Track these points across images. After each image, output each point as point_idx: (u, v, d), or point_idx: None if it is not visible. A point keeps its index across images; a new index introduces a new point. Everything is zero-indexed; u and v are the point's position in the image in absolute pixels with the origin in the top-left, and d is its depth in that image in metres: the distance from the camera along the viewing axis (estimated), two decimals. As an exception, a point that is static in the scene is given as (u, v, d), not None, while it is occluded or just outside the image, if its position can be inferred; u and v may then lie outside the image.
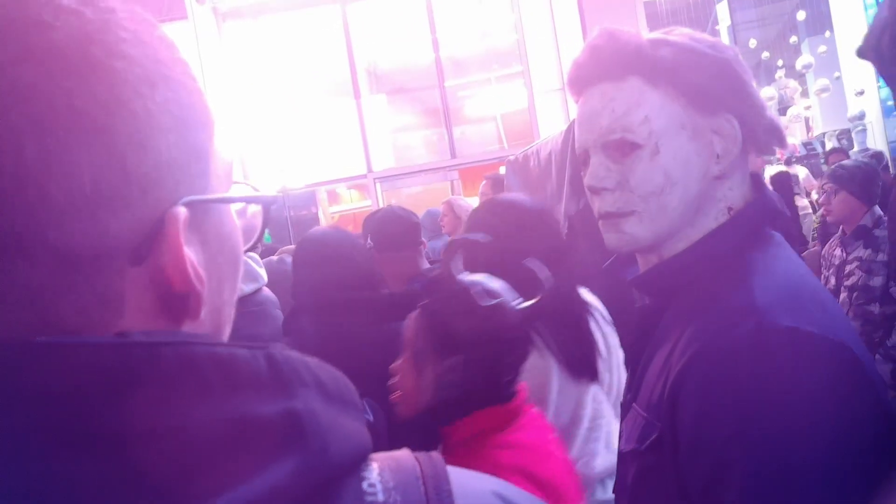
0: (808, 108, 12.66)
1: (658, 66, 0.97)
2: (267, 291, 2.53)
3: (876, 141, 10.35)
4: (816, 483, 0.78)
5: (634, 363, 1.07)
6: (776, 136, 1.01)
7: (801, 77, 13.44)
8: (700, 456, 0.85)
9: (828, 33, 12.28)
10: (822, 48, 11.85)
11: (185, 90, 0.46)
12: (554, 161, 2.38)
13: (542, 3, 8.82)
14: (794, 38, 13.34)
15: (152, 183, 0.42)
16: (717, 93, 0.97)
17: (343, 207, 11.15)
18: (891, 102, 10.00)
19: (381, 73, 10.50)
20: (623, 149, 0.99)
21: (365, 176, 9.42)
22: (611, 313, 2.16)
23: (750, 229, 0.98)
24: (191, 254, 0.44)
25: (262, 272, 2.49)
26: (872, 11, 9.56)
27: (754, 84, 1.00)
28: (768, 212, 1.00)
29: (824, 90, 11.07)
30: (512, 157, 2.74)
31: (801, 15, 12.25)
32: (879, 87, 10.06)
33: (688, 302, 0.97)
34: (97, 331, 0.41)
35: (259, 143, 9.44)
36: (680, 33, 1.00)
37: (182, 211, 0.43)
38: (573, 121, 2.28)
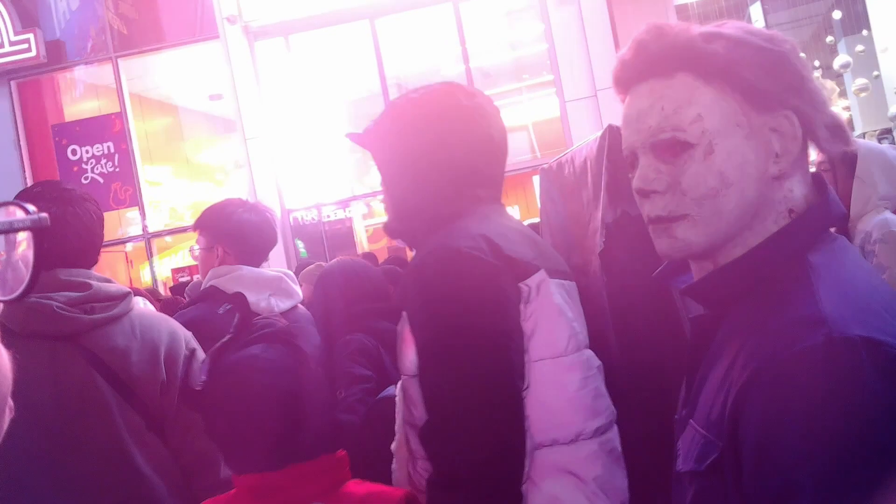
0: (846, 108, 12.42)
1: (711, 62, 0.91)
2: (302, 308, 2.51)
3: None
4: None
5: (690, 377, 1.00)
6: (839, 134, 0.95)
7: (838, 77, 13.17)
8: (765, 479, 0.78)
9: (865, 32, 12.04)
10: (860, 47, 11.62)
11: None
12: (589, 168, 2.31)
13: (572, 12, 8.76)
14: (830, 38, 13.10)
15: None
16: (775, 88, 0.91)
17: (377, 221, 11.15)
18: (932, 101, 9.74)
19: (411, 87, 10.51)
20: (674, 149, 0.92)
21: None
22: (655, 324, 2.08)
23: (813, 233, 0.92)
24: None
25: (298, 289, 2.47)
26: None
27: (814, 78, 0.94)
28: (833, 214, 0.93)
29: (863, 89, 10.84)
30: (546, 166, 2.68)
31: (836, 14, 12.03)
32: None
33: (747, 312, 0.90)
34: None
35: (292, 161, 9.49)
36: (733, 26, 0.93)
37: None
38: (608, 126, 2.22)
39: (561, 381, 1.38)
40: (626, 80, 0.99)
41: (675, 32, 0.94)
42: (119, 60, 9.74)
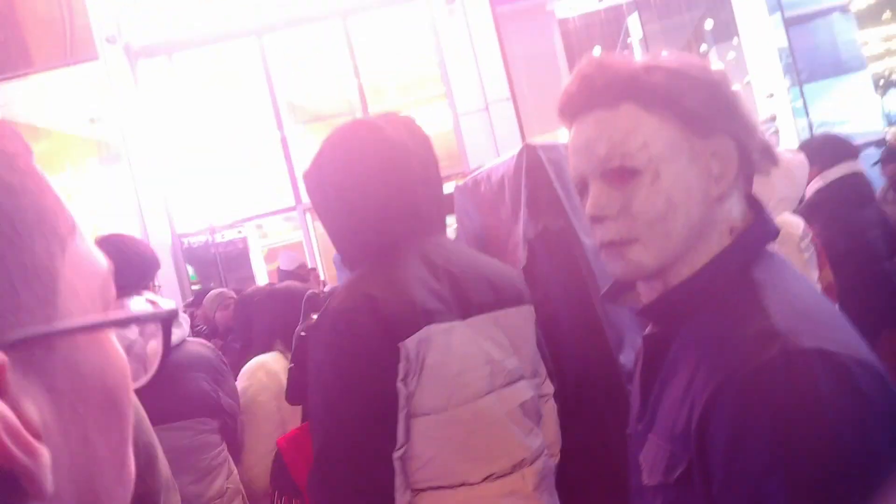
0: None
1: (653, 92, 0.96)
2: (189, 344, 2.43)
3: (788, 142, 10.74)
4: None
5: (645, 392, 1.04)
6: (769, 155, 1.01)
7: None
8: (735, 489, 0.82)
9: (735, 39, 12.72)
10: (731, 54, 12.27)
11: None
12: (507, 185, 2.36)
13: (460, 25, 8.89)
14: (703, 47, 13.79)
15: None
16: (712, 115, 0.96)
17: (273, 241, 10.96)
18: (799, 104, 10.39)
19: (301, 104, 10.39)
20: (623, 176, 0.97)
21: (294, 207, 9.28)
22: (579, 335, 2.15)
23: (754, 250, 0.97)
24: (28, 408, 0.34)
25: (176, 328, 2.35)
26: (776, 15, 9.95)
27: (744, 104, 0.99)
28: (770, 230, 0.99)
29: (735, 95, 11.40)
30: (461, 183, 2.71)
31: (708, 24, 12.66)
32: (789, 88, 10.44)
33: (700, 328, 0.94)
34: None
35: (182, 184, 9.20)
36: (671, 58, 0.98)
37: None
38: (524, 145, 2.27)
39: (442, 435, 1.44)
40: (572, 111, 1.02)
41: (617, 65, 0.98)
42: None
